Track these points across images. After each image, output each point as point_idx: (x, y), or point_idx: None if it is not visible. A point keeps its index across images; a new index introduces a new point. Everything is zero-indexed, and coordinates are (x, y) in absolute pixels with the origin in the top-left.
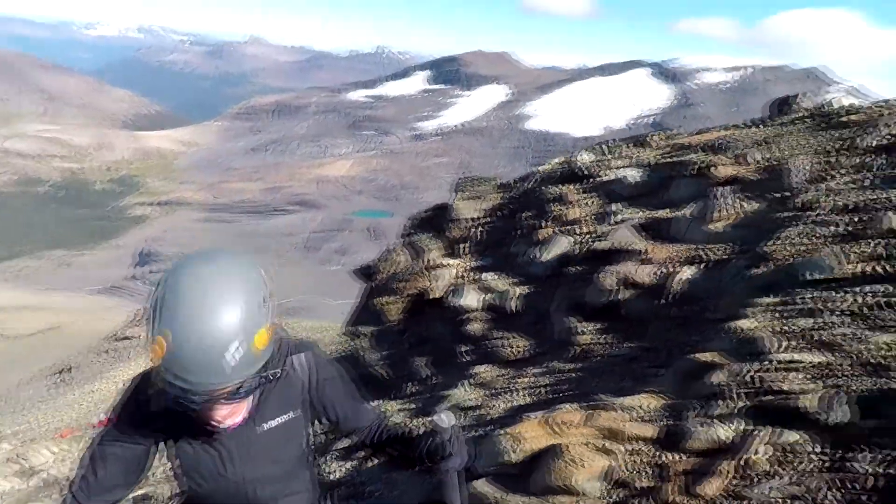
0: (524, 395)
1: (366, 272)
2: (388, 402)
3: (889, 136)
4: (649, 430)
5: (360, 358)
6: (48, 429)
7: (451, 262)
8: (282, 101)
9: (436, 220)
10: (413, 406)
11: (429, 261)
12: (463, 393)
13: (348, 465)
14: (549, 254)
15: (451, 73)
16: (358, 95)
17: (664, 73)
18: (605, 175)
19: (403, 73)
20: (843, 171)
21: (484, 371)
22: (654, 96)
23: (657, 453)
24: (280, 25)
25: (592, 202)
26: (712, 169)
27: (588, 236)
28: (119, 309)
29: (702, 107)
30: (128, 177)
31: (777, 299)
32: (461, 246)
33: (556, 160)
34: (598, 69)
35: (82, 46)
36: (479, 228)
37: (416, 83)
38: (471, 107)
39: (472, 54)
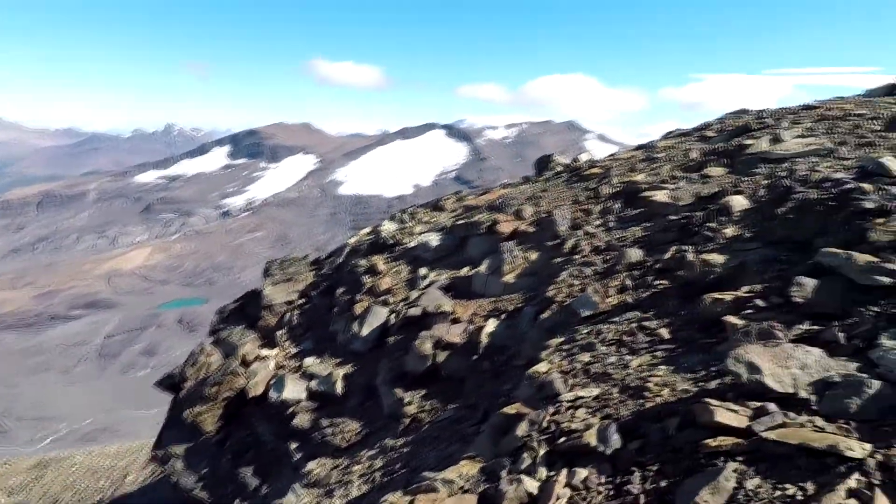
0: (359, 485)
1: (170, 382)
2: None
3: (619, 184)
4: (470, 502)
5: (176, 484)
6: None
7: (269, 352)
8: (50, 191)
9: (247, 309)
10: None
11: (243, 356)
12: (295, 500)
13: None
14: (368, 327)
15: (254, 147)
16: (149, 177)
17: (456, 132)
18: (409, 241)
19: (200, 150)
20: (593, 216)
21: (316, 467)
22: (452, 154)
23: None
24: (36, 109)
25: (401, 269)
26: (497, 226)
27: (402, 304)
28: None
29: (493, 159)
30: None
31: (562, 338)
32: (278, 333)
33: (364, 231)
34: (399, 133)
35: None
36: (295, 311)
37: (216, 159)
38: (279, 178)
39: (274, 126)
